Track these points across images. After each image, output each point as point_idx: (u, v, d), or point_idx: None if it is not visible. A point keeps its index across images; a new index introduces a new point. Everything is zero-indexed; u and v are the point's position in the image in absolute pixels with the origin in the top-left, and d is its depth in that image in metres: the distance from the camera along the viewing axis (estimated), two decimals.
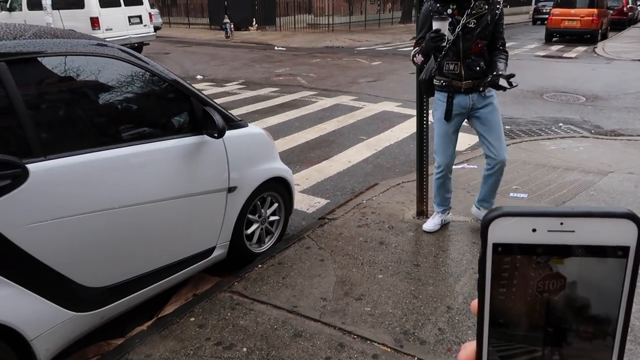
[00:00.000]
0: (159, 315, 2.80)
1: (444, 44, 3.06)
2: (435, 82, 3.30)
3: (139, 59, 2.55)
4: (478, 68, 3.17)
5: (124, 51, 2.50)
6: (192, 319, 2.63)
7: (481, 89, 3.19)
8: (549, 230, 0.39)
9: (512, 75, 3.01)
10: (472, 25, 3.09)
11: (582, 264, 0.39)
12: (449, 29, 3.05)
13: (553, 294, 0.39)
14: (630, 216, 0.38)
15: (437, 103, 3.34)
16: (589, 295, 0.39)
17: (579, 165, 5.01)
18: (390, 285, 2.92)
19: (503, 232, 0.39)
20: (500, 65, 3.12)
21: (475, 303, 0.42)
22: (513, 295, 0.40)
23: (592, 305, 0.39)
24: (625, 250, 0.38)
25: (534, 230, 0.39)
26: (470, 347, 0.43)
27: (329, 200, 4.45)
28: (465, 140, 6.14)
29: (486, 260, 0.40)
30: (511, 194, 4.23)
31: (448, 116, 3.29)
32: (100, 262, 2.33)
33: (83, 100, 2.50)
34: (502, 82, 3.03)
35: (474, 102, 3.23)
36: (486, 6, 3.08)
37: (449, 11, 3.11)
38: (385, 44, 18.73)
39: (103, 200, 2.27)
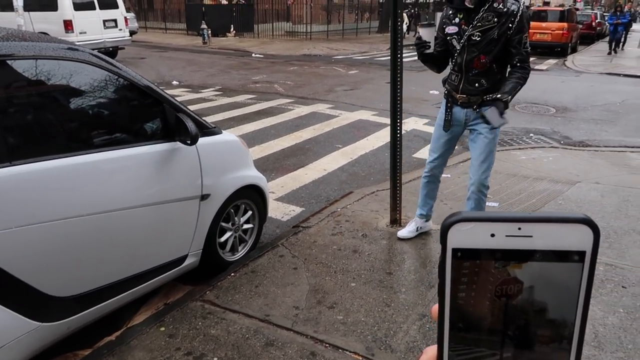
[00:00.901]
0: (128, 325, 2.75)
1: (428, 50, 3.03)
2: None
3: (111, 64, 2.52)
4: (477, 84, 3.03)
5: (95, 56, 2.46)
6: (162, 328, 2.59)
7: (475, 107, 3.08)
8: (507, 235, 0.39)
9: (506, 107, 2.86)
10: (476, 38, 2.93)
11: (540, 269, 0.39)
12: (455, 38, 3.01)
13: (511, 298, 0.40)
14: (586, 221, 0.39)
15: (440, 109, 3.32)
16: (547, 300, 0.39)
17: (549, 175, 5.14)
18: (362, 294, 2.93)
19: (462, 237, 0.40)
20: (506, 87, 2.93)
21: (435, 308, 0.42)
22: (472, 300, 0.40)
23: (550, 309, 0.40)
24: (581, 255, 0.39)
25: (492, 235, 0.39)
26: (431, 351, 0.44)
27: (303, 208, 4.45)
28: None
29: (446, 265, 0.40)
30: None
31: (446, 126, 3.24)
32: (68, 271, 2.28)
33: (52, 105, 2.45)
34: (492, 114, 2.87)
35: (468, 117, 3.15)
36: (495, 19, 2.87)
37: (457, 20, 3.00)
38: (362, 53, 18.91)
39: (71, 207, 2.22)
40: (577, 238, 0.39)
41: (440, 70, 3.27)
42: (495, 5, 2.88)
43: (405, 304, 2.84)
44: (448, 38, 3.07)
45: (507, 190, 4.66)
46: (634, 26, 25.40)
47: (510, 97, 2.91)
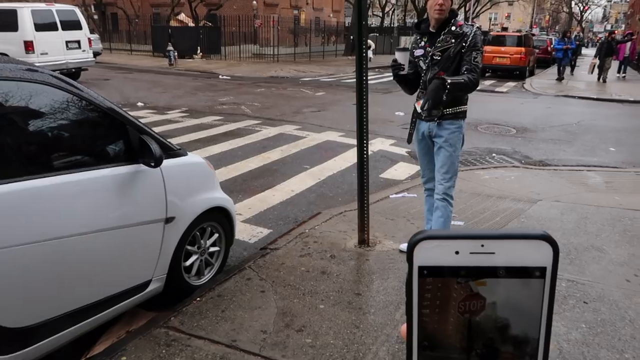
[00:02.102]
0: (87, 356, 2.63)
1: (402, 72, 3.32)
2: None
3: (72, 85, 2.46)
4: None
5: (55, 77, 2.40)
6: (124, 358, 2.49)
7: (436, 119, 3.29)
8: (471, 253, 0.40)
9: (431, 103, 3.11)
10: (437, 57, 3.22)
11: (503, 285, 0.40)
12: (421, 59, 3.30)
13: (474, 314, 0.40)
14: (545, 237, 0.39)
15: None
16: (510, 316, 0.40)
17: (511, 193, 5.27)
18: (331, 316, 2.90)
19: (428, 255, 0.40)
20: (449, 80, 3.10)
21: (404, 327, 0.42)
22: (438, 317, 0.41)
23: (513, 325, 0.40)
24: (542, 270, 0.39)
25: (456, 252, 0.40)
26: None
27: (271, 230, 4.41)
28: (406, 169, 6.33)
29: (412, 284, 0.40)
30: None
31: (409, 139, 3.52)
32: (22, 300, 2.17)
33: (9, 127, 2.36)
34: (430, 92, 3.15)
35: (431, 131, 3.35)
36: (452, 40, 3.17)
37: (422, 44, 3.32)
38: (329, 75, 19.15)
39: (28, 233, 2.13)
40: (537, 254, 0.39)
41: (412, 92, 3.52)
42: (453, 28, 3.21)
43: (374, 324, 2.83)
44: (416, 60, 3.36)
45: (472, 209, 4.75)
46: (584, 51, 26.60)
47: (451, 82, 3.06)
